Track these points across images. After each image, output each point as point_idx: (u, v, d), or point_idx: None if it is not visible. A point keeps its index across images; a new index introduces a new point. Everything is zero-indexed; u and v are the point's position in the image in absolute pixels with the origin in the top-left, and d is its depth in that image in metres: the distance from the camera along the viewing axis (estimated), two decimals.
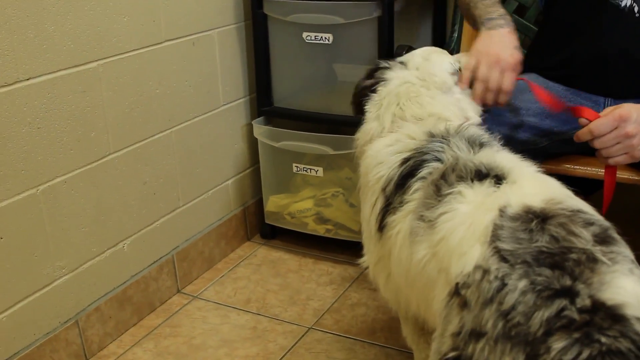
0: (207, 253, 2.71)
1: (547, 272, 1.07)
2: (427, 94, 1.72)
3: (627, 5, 1.84)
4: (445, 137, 1.53)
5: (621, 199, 2.85)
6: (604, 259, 1.08)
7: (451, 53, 2.73)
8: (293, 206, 2.78)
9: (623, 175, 1.91)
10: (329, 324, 2.35)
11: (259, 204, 2.93)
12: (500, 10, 1.90)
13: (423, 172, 1.47)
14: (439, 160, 1.48)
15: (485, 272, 1.13)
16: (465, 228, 1.25)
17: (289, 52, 2.68)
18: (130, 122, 2.27)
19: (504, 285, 1.09)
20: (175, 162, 2.49)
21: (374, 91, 1.79)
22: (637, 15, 1.84)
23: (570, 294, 1.04)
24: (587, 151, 1.75)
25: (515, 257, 1.11)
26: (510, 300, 1.06)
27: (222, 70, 2.65)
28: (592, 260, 1.08)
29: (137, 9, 2.23)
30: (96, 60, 2.11)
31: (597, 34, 1.90)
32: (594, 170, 1.94)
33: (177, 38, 2.41)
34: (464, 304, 1.13)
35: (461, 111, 1.72)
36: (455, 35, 2.72)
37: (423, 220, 1.36)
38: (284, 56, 2.70)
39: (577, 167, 1.96)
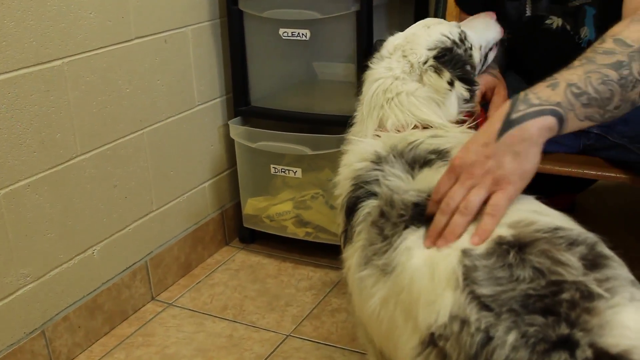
0: (183, 258, 2.62)
1: (539, 319, 0.93)
2: (405, 90, 1.48)
3: (559, 25, 1.80)
4: (379, 163, 1.34)
5: (611, 199, 2.80)
6: (600, 291, 0.95)
7: None
8: (272, 209, 2.69)
9: (609, 174, 1.84)
10: (308, 331, 2.26)
11: (237, 207, 2.84)
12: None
13: (362, 211, 1.31)
14: (374, 194, 1.30)
15: (464, 322, 0.98)
16: (427, 273, 1.09)
17: (265, 49, 2.60)
18: (98, 122, 2.17)
19: (489, 338, 0.94)
20: (148, 164, 2.39)
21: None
22: (571, 33, 1.79)
23: (569, 345, 0.90)
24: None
25: (499, 304, 0.96)
26: (499, 357, 0.93)
27: (197, 69, 2.56)
28: (588, 296, 0.94)
29: (105, 4, 2.13)
30: (61, 58, 2.01)
31: (537, 55, 1.88)
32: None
33: (148, 35, 2.32)
34: (444, 357, 1.00)
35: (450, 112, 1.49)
36: None
37: (373, 267, 1.22)
38: (261, 54, 2.62)
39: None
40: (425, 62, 1.48)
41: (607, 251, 1.03)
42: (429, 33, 1.55)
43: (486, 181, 1.15)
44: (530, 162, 1.16)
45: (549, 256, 0.99)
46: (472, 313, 0.97)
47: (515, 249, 1.02)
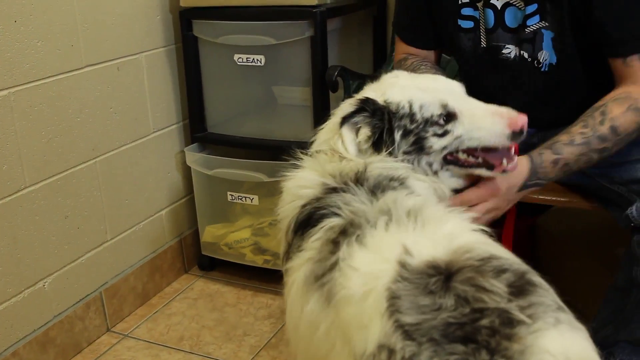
0: (140, 288, 2.57)
1: (459, 348, 0.92)
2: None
3: (517, 54, 1.78)
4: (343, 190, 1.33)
5: (572, 221, 2.79)
6: (522, 317, 0.94)
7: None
8: (230, 236, 2.66)
9: (563, 199, 1.85)
10: None
11: (196, 234, 2.80)
12: None
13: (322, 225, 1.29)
14: (337, 215, 1.28)
15: (391, 352, 0.97)
16: (362, 295, 1.08)
17: (221, 75, 2.57)
18: (48, 152, 2.13)
19: None
20: (101, 193, 2.35)
21: None
22: (529, 60, 1.77)
23: None
24: None
25: (421, 333, 0.95)
26: None
27: (151, 96, 2.53)
28: (508, 323, 0.93)
29: (54, 32, 2.10)
30: (7, 89, 1.97)
31: (496, 86, 1.86)
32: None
33: (99, 63, 2.29)
34: None
35: None
36: (395, 54, 2.64)
37: (317, 282, 1.20)
38: (217, 79, 2.59)
39: None
40: None
41: (535, 279, 1.02)
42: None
43: (499, 212, 1.55)
44: None
45: (474, 283, 0.99)
46: (397, 342, 0.96)
47: (441, 276, 1.01)
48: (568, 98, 1.76)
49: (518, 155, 1.47)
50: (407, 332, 0.96)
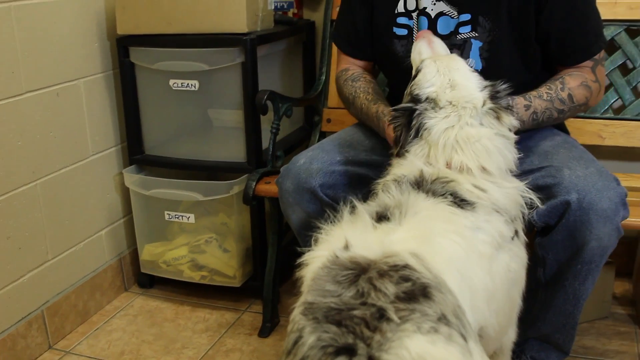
0: (81, 306, 2.65)
1: (333, 329, 1.10)
2: (482, 135, 1.60)
3: None
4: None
5: None
6: (394, 316, 1.09)
7: (319, 96, 2.81)
8: (168, 254, 2.76)
9: None
10: None
11: (135, 253, 2.89)
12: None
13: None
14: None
15: (293, 323, 1.18)
16: (308, 268, 1.31)
17: (157, 99, 2.68)
18: None
19: (299, 337, 1.12)
20: (43, 214, 2.43)
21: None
22: None
23: (349, 352, 1.06)
24: None
25: (311, 311, 1.14)
26: (301, 353, 1.10)
27: (90, 120, 2.63)
28: (379, 317, 1.10)
29: None
30: None
31: None
32: None
33: (39, 89, 2.38)
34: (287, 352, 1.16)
35: None
36: (323, 78, 2.79)
37: None
38: (153, 103, 2.70)
39: None
40: (483, 105, 1.60)
41: (436, 293, 1.17)
42: (462, 74, 1.65)
43: None
44: None
45: (372, 283, 1.16)
46: (297, 315, 1.18)
47: (354, 271, 1.19)
48: None
49: None
50: (305, 309, 1.16)
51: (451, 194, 1.47)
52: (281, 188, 1.98)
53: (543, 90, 1.88)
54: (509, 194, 1.55)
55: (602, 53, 1.99)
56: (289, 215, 2.01)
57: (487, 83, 1.64)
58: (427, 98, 1.60)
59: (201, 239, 2.71)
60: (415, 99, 1.62)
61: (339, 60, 2.24)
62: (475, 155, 1.53)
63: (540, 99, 1.85)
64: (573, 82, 1.90)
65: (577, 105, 1.91)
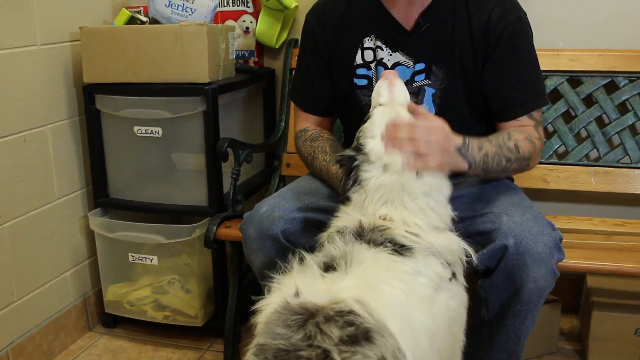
0: (46, 346, 2.71)
1: None
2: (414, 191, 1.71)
3: None
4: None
5: None
6: (337, 358, 1.20)
7: (279, 142, 2.91)
8: (132, 294, 2.83)
9: None
10: None
11: (100, 293, 2.96)
12: None
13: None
14: None
15: None
16: (261, 315, 1.40)
17: (122, 144, 2.77)
18: None
19: None
20: (9, 257, 2.50)
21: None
22: None
23: None
24: None
25: (262, 352, 1.25)
26: None
27: (57, 164, 2.71)
28: (324, 359, 1.21)
29: None
30: None
31: None
32: None
33: (7, 136, 2.46)
34: None
35: None
36: (283, 124, 2.91)
37: None
38: (118, 149, 2.79)
39: None
40: None
41: (376, 336, 1.28)
42: None
43: (430, 157, 1.68)
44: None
45: (319, 327, 1.26)
46: (249, 356, 1.29)
47: (304, 316, 1.30)
48: None
49: None
50: (257, 350, 1.27)
51: (390, 242, 1.57)
52: (244, 234, 2.06)
53: (492, 137, 1.97)
54: (442, 243, 1.66)
55: (541, 115, 2.12)
56: (252, 260, 2.08)
57: None
58: (364, 150, 1.72)
59: (164, 280, 2.79)
60: (358, 148, 1.73)
61: (296, 118, 2.32)
62: (408, 212, 1.65)
63: (490, 144, 1.92)
64: (518, 135, 1.99)
65: (522, 158, 1.98)
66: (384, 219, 1.64)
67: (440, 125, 1.74)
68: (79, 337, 2.90)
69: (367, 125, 1.78)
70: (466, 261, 1.72)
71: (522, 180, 2.55)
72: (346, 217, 1.69)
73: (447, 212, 1.74)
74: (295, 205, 2.05)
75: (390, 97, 1.83)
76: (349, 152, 1.76)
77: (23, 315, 2.60)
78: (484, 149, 1.89)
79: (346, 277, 1.46)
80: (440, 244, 1.63)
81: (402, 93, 1.85)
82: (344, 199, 1.74)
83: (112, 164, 2.82)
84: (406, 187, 1.66)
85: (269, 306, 1.39)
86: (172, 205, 2.75)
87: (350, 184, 1.71)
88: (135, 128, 2.66)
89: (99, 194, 2.83)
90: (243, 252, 2.12)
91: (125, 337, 2.90)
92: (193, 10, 2.65)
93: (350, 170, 1.72)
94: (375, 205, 1.66)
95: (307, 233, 2.00)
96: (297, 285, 1.39)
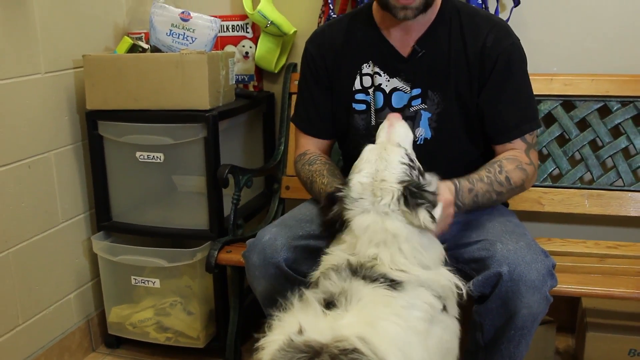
0: None
1: None
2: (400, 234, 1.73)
3: None
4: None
5: None
6: None
7: (278, 165, 2.96)
8: (134, 316, 2.88)
9: None
10: None
11: (103, 314, 3.00)
12: None
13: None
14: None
15: None
16: (264, 351, 1.45)
17: (124, 169, 2.82)
18: None
19: None
20: (14, 281, 2.54)
21: None
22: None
23: None
24: None
25: None
26: None
27: (60, 189, 2.76)
28: None
29: None
30: None
31: None
32: None
33: (12, 163, 2.50)
34: None
35: None
36: (282, 147, 2.96)
37: None
38: (120, 173, 2.84)
39: None
40: (399, 199, 1.71)
41: None
42: (388, 165, 1.76)
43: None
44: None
45: None
46: None
47: (310, 354, 1.35)
48: (440, 168, 1.95)
49: None
50: None
51: (382, 277, 1.62)
52: (248, 262, 2.09)
53: (483, 173, 2.03)
54: (431, 278, 1.69)
55: (535, 138, 2.17)
56: (255, 287, 2.12)
57: (408, 178, 1.74)
58: (349, 186, 1.76)
59: (166, 302, 2.83)
60: (345, 183, 1.79)
61: (297, 143, 2.37)
62: (398, 253, 1.68)
63: (481, 182, 2.00)
64: (509, 165, 2.06)
65: (514, 188, 2.06)
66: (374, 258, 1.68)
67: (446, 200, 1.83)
68: (83, 358, 2.94)
69: (357, 161, 1.82)
70: (458, 294, 1.75)
71: (517, 202, 2.61)
72: (335, 255, 1.73)
73: (437, 251, 1.78)
74: (297, 233, 2.09)
75: (387, 138, 1.87)
76: (335, 190, 1.80)
77: (28, 337, 2.64)
78: (475, 189, 1.99)
79: (347, 314, 1.50)
80: (429, 279, 1.67)
81: (401, 135, 1.88)
82: (325, 233, 1.82)
83: (114, 188, 2.86)
84: (390, 228, 1.69)
85: (273, 343, 1.43)
86: (173, 228, 2.79)
87: (338, 225, 1.76)
88: (138, 154, 2.71)
89: (102, 217, 2.88)
90: (243, 274, 2.16)
91: (128, 357, 2.94)
92: (194, 39, 2.70)
93: (333, 203, 1.77)
94: (363, 243, 1.69)
95: (309, 260, 2.03)
96: (301, 323, 1.43)
